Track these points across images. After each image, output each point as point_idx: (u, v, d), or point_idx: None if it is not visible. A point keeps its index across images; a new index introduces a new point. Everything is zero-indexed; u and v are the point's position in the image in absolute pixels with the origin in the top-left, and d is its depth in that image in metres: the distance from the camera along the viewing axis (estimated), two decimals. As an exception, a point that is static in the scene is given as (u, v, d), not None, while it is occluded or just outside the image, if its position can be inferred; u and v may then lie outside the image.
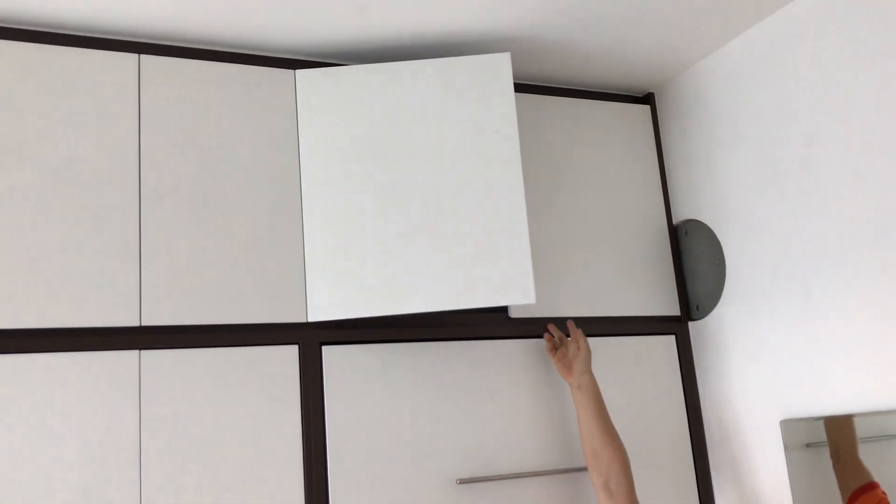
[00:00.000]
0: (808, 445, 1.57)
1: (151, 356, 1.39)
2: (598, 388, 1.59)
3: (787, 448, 1.59)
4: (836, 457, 1.50)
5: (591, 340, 1.70)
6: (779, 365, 1.63)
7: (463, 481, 1.52)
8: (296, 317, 1.50)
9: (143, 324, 1.40)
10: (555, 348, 1.65)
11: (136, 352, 1.39)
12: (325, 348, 1.51)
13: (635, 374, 1.75)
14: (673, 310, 1.84)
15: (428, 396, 1.56)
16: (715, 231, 1.80)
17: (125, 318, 1.39)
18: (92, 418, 1.33)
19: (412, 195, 1.57)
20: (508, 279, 1.54)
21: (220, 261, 1.47)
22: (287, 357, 1.49)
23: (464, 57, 1.64)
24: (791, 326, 1.60)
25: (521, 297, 1.54)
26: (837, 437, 1.50)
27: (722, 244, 1.78)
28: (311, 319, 1.51)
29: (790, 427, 1.59)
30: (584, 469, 1.61)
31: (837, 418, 1.49)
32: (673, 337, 1.83)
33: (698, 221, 1.84)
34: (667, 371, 1.79)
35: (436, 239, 1.55)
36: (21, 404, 1.29)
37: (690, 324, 1.86)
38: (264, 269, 1.50)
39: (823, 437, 1.53)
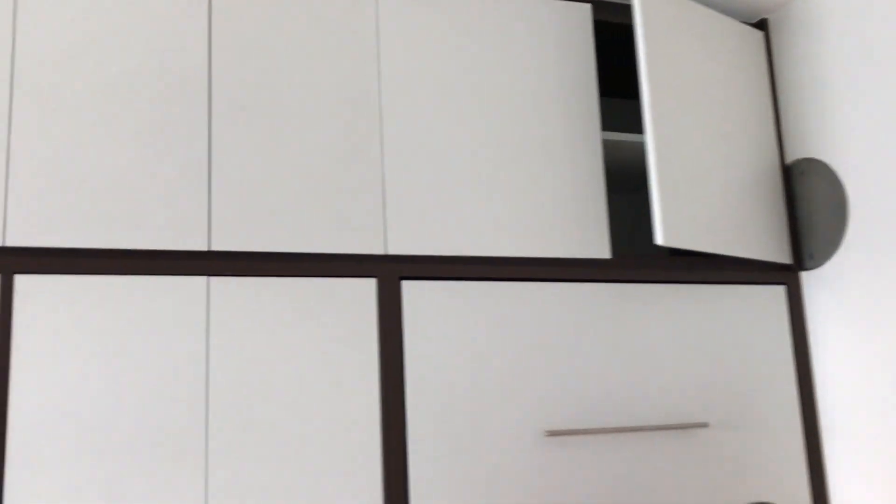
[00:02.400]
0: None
1: (221, 283, 1.29)
2: None
3: (917, 413, 1.42)
4: None
5: (693, 287, 1.55)
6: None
7: (552, 433, 1.39)
8: (374, 248, 1.38)
9: (213, 248, 1.29)
10: None
11: (205, 278, 1.28)
12: (405, 283, 1.39)
13: (741, 325, 1.59)
14: (784, 258, 1.66)
15: (515, 340, 1.43)
16: (836, 171, 1.61)
17: (193, 241, 1.28)
18: (156, 346, 1.23)
19: (495, 134, 1.50)
20: (584, 232, 1.51)
21: (294, 184, 1.35)
22: (364, 291, 1.37)
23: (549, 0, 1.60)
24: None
25: (595, 252, 1.51)
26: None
27: (845, 186, 1.59)
28: (390, 252, 1.38)
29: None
30: (684, 427, 1.46)
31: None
32: (783, 287, 1.66)
33: (816, 160, 1.65)
34: (775, 324, 1.63)
35: (516, 181, 1.49)
36: (82, 328, 1.20)
37: (803, 274, 1.68)
38: (341, 194, 1.38)
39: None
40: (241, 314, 1.28)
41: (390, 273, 1.39)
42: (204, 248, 1.29)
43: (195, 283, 1.27)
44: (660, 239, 1.45)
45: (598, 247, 1.51)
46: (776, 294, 1.65)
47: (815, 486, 1.57)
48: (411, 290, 1.39)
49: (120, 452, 1.18)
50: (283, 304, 1.31)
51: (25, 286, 1.19)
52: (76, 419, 1.17)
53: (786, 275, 1.66)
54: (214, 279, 1.28)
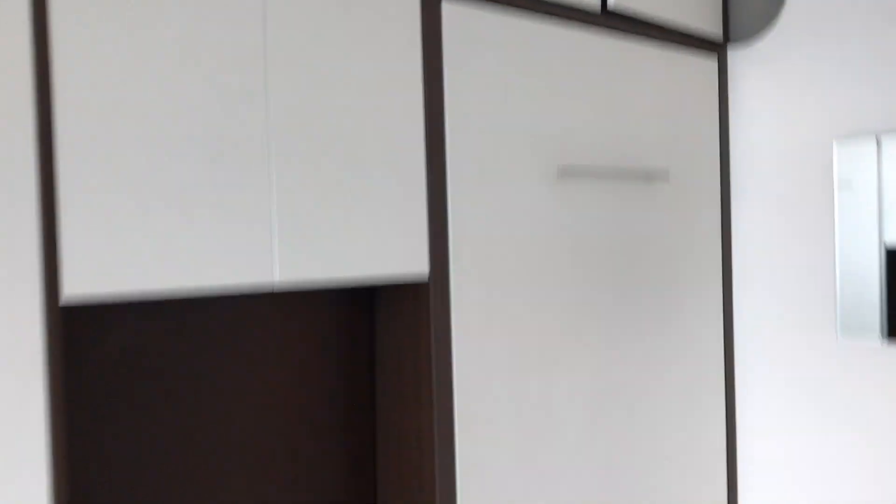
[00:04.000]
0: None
1: (275, -29, 1.06)
2: None
3: (841, 182, 1.61)
4: None
5: (621, 42, 1.61)
6: (834, 87, 1.64)
7: (564, 173, 1.42)
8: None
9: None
10: None
11: (260, -41, 1.05)
12: (445, 5, 1.27)
13: (666, 90, 1.69)
14: (715, 29, 1.77)
15: (535, 79, 1.40)
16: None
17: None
18: (209, 44, 1.00)
19: None
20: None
21: None
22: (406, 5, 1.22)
23: None
24: (862, 54, 1.60)
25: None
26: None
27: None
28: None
29: (844, 154, 1.60)
30: (649, 177, 1.58)
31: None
32: (712, 59, 1.79)
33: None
34: (702, 94, 1.77)
35: None
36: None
37: (733, 48, 1.81)
38: None
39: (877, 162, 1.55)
40: (300, 10, 1.09)
41: (433, -10, 1.25)
42: (254, -78, 1.04)
43: (250, -34, 1.04)
44: None
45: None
46: (705, 66, 1.77)
47: (724, 242, 1.81)
48: (452, 14, 1.27)
49: (168, 151, 0.98)
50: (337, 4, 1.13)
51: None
52: (125, 114, 0.94)
53: (716, 47, 1.79)
54: (269, -36, 1.06)
